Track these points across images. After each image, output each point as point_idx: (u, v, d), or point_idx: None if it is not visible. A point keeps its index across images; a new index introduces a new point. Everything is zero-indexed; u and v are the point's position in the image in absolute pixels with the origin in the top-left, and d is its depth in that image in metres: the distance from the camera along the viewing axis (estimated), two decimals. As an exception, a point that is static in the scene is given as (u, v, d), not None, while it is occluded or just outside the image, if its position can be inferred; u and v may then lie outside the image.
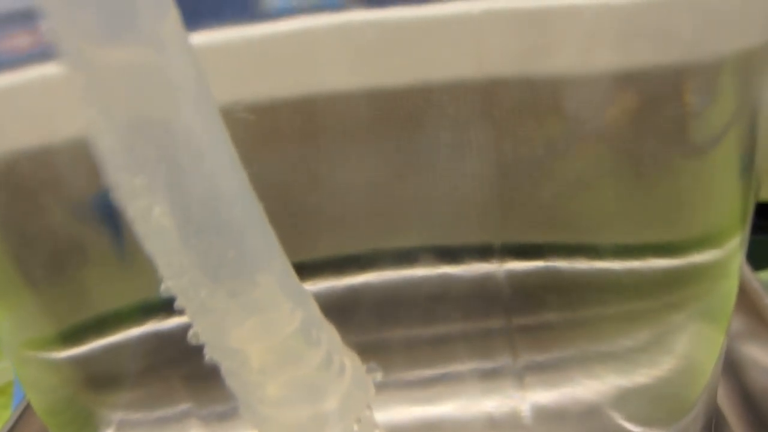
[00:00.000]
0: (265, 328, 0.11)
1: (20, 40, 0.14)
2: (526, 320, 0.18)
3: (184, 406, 0.18)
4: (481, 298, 0.18)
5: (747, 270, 0.30)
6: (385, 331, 0.18)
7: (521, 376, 0.19)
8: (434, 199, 0.17)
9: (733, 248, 0.19)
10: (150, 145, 0.10)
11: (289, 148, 0.16)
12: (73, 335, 0.18)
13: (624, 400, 0.19)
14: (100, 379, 0.19)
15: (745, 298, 0.28)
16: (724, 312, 0.20)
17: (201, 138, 0.10)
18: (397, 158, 0.16)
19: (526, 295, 0.18)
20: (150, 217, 0.10)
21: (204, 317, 0.11)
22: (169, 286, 0.11)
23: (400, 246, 0.17)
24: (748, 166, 0.18)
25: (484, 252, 0.17)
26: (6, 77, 0.15)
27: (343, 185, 0.16)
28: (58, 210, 0.16)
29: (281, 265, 0.11)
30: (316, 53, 0.15)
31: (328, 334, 0.13)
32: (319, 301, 0.13)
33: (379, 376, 0.14)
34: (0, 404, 0.44)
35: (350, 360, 0.13)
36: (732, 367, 0.26)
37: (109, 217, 0.15)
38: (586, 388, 0.19)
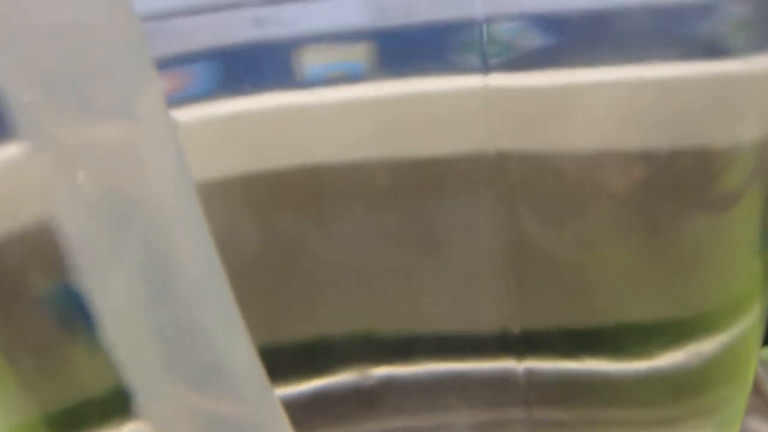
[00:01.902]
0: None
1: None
2: (543, 414, 0.17)
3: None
4: (498, 389, 0.17)
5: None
6: (397, 421, 0.17)
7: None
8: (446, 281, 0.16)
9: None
10: (119, 225, 0.10)
11: (291, 219, 0.16)
12: (61, 421, 0.17)
13: None
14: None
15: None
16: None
17: (172, 217, 0.10)
18: (407, 237, 0.16)
19: (544, 389, 0.17)
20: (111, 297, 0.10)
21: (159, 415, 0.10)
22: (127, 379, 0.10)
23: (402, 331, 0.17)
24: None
25: (498, 340, 0.17)
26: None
27: (351, 267, 0.16)
28: (36, 293, 0.16)
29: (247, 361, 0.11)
30: (327, 125, 0.15)
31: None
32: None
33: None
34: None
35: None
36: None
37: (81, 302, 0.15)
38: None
